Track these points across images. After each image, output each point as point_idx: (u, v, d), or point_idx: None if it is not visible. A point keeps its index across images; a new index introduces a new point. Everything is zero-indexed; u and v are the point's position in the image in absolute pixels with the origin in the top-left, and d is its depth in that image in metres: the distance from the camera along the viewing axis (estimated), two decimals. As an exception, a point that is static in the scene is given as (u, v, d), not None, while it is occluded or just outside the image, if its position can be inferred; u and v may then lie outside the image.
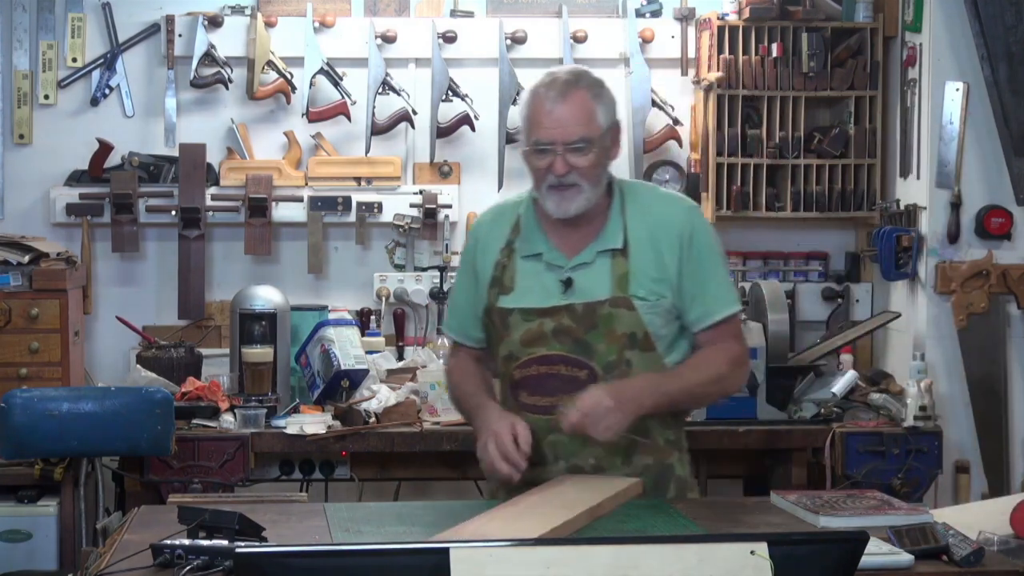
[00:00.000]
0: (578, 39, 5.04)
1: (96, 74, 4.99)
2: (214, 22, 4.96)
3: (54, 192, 4.95)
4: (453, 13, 5.07)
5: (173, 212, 4.94)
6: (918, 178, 4.77)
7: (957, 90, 4.63)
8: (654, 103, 5.04)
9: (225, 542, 2.34)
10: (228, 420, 4.32)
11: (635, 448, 2.93)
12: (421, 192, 5.02)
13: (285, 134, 5.02)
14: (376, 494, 4.71)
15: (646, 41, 5.06)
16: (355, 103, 4.98)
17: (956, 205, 4.67)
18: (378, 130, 4.99)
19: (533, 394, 2.92)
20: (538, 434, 2.87)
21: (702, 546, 1.97)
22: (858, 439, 4.36)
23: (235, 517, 2.39)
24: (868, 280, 5.11)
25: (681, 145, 5.10)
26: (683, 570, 1.93)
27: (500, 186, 4.99)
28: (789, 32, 4.94)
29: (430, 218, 4.99)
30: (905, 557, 2.41)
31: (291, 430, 4.26)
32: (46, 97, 4.98)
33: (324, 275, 5.08)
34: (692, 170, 5.07)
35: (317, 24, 4.98)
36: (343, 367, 4.39)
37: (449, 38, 5.02)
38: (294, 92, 4.97)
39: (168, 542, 2.34)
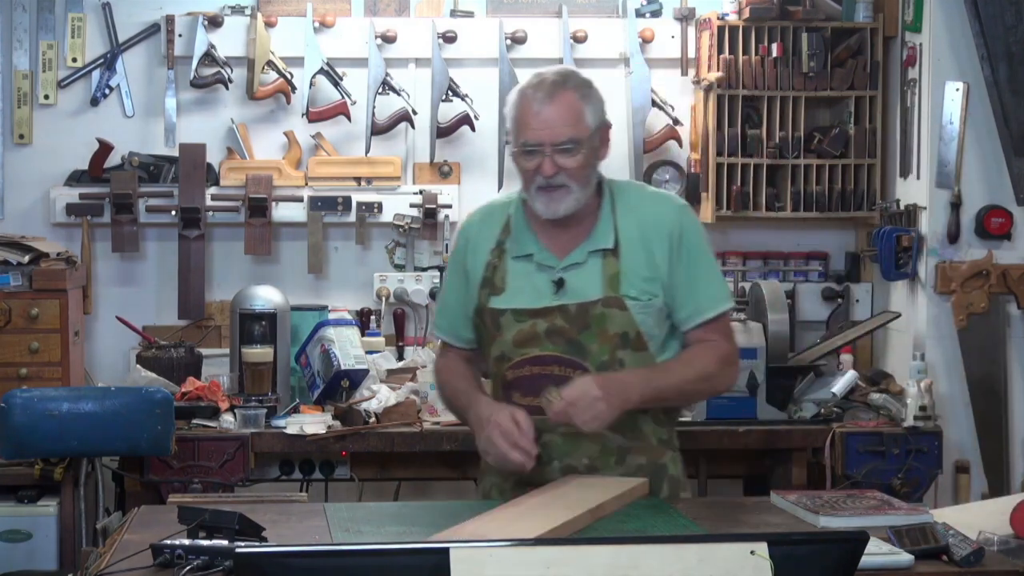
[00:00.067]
0: (578, 39, 5.05)
1: (96, 74, 4.99)
2: (214, 22, 4.96)
3: (54, 192, 4.95)
4: (453, 13, 5.07)
5: (173, 212, 4.94)
6: (918, 178, 4.77)
7: (957, 90, 4.63)
8: (654, 103, 5.04)
9: (225, 542, 2.34)
10: (228, 420, 4.32)
11: (628, 448, 2.93)
12: (421, 192, 5.02)
13: (285, 134, 5.02)
14: (376, 494, 4.71)
15: (646, 41, 5.07)
16: (355, 103, 4.98)
17: (956, 205, 4.67)
18: (378, 130, 4.99)
19: (526, 395, 2.91)
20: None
21: (702, 546, 1.97)
22: (858, 439, 4.36)
23: (235, 517, 2.39)
24: (868, 280, 5.11)
25: (681, 145, 5.10)
26: (683, 570, 1.93)
27: (500, 186, 4.99)
28: (789, 32, 4.94)
29: (430, 218, 4.99)
30: (905, 557, 2.42)
31: (291, 430, 4.26)
32: (46, 97, 4.98)
33: (324, 275, 5.08)
34: (692, 170, 5.07)
35: (317, 24, 4.98)
36: (343, 367, 4.39)
37: (449, 38, 5.02)
38: (294, 92, 4.97)
39: (168, 542, 2.34)
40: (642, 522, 2.63)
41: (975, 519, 2.74)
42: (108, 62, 4.98)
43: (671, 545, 1.98)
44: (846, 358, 4.66)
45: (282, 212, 4.99)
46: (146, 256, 5.03)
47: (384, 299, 5.00)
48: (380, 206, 5.01)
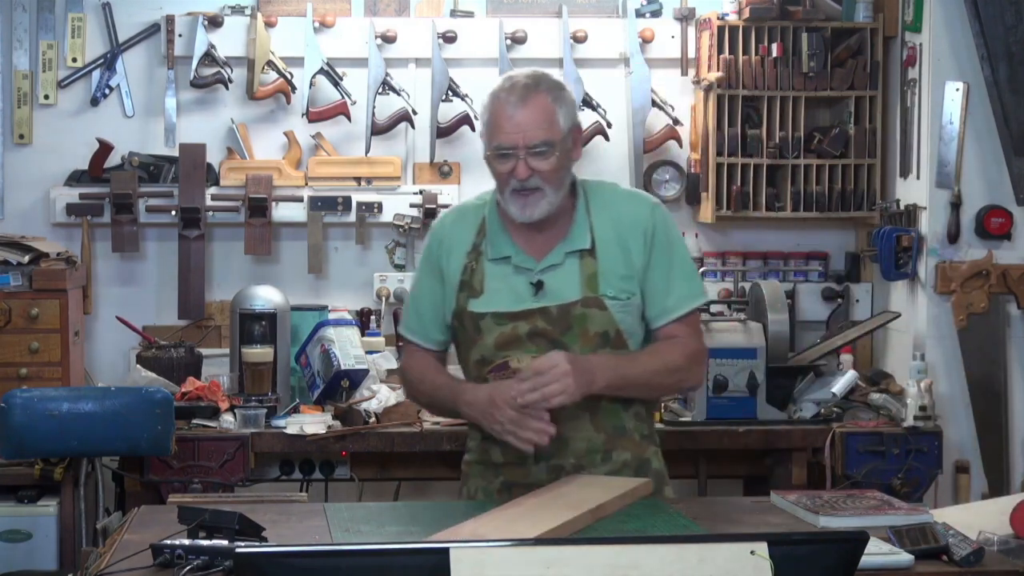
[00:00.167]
0: (578, 39, 5.04)
1: (96, 74, 4.99)
2: (214, 22, 4.96)
3: (54, 192, 4.95)
4: (453, 13, 5.07)
5: (173, 212, 4.94)
6: (918, 178, 4.77)
7: (957, 90, 4.63)
8: (654, 103, 5.03)
9: (225, 542, 2.34)
10: (228, 420, 4.32)
11: (613, 444, 2.93)
12: (421, 192, 5.02)
13: (285, 134, 5.02)
14: (376, 494, 4.71)
15: (646, 41, 5.06)
16: (355, 103, 4.98)
17: (956, 205, 4.67)
18: (378, 130, 4.99)
19: None
20: None
21: (702, 546, 1.97)
22: (858, 439, 4.36)
23: (235, 517, 2.39)
24: (868, 280, 5.10)
25: (681, 145, 5.10)
26: (683, 570, 1.93)
27: (500, 186, 4.98)
28: (789, 32, 4.94)
29: (430, 218, 4.98)
30: (905, 557, 2.42)
31: (291, 430, 4.26)
32: (46, 97, 4.98)
33: (324, 275, 5.07)
34: (692, 170, 5.07)
35: (317, 24, 4.98)
36: (343, 367, 4.39)
37: (449, 38, 5.02)
38: (294, 92, 4.97)
39: (168, 542, 2.34)
40: (642, 522, 2.63)
41: (975, 519, 2.74)
42: (108, 62, 4.98)
43: (671, 545, 1.98)
44: (846, 358, 4.66)
45: (282, 212, 4.99)
46: (146, 256, 5.03)
47: (384, 299, 5.00)
48: (380, 206, 5.01)
